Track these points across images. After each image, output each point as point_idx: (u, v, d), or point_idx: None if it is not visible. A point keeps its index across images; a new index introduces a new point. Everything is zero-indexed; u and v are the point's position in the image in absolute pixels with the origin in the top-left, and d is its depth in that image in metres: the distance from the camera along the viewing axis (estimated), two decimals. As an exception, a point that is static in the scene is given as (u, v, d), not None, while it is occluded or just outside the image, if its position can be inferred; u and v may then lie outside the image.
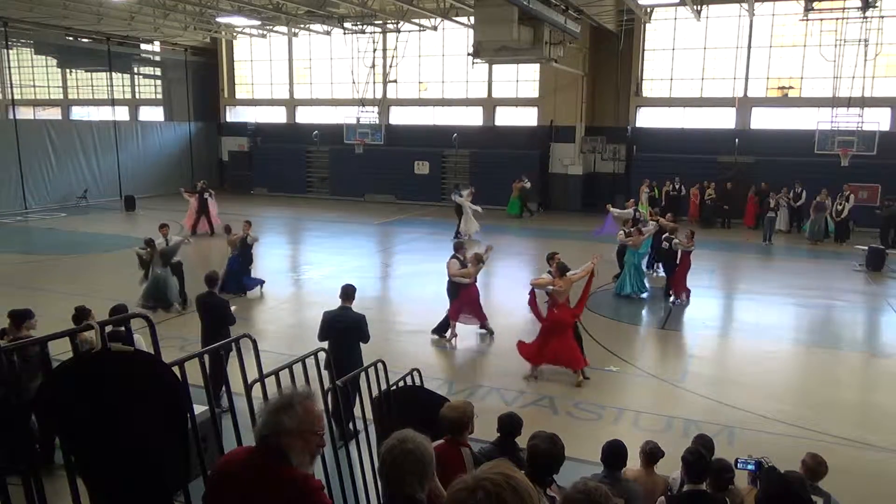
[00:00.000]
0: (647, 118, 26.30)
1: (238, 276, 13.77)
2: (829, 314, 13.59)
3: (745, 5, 21.95)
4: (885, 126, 21.64)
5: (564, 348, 9.36)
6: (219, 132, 33.03)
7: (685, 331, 12.13)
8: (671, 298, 13.67)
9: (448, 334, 11.17)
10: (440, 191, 27.82)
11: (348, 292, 8.03)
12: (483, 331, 11.47)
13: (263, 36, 29.82)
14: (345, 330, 7.72)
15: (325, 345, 7.45)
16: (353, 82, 27.34)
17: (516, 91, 27.81)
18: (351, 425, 6.48)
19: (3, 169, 24.12)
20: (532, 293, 9.72)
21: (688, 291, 13.68)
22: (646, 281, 14.52)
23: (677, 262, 13.60)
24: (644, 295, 14.11)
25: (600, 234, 18.32)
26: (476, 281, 11.17)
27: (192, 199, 20.62)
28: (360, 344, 7.85)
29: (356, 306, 8.10)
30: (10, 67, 29.79)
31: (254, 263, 14.37)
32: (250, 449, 2.78)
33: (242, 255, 13.93)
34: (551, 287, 9.48)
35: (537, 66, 25.32)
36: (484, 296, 15.34)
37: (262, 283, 14.04)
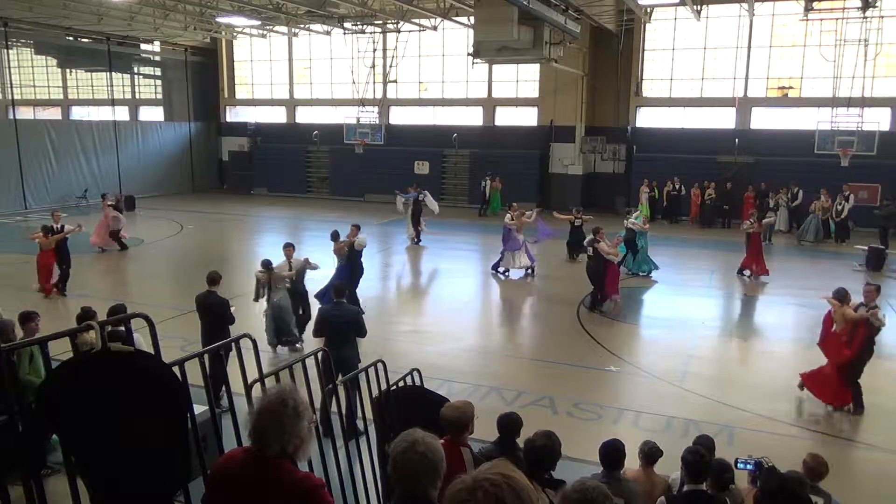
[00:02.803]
0: (646, 118, 26.28)
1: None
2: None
3: (745, 5, 21.94)
4: (885, 126, 21.62)
5: (825, 377, 8.62)
6: (219, 132, 33.04)
7: (685, 331, 12.11)
8: (756, 275, 15.32)
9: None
10: (440, 191, 27.78)
11: (339, 289, 8.07)
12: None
13: (263, 36, 29.81)
14: (341, 325, 7.75)
15: (321, 342, 7.48)
16: (353, 82, 27.33)
17: (516, 91, 27.80)
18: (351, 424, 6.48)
19: (3, 169, 24.11)
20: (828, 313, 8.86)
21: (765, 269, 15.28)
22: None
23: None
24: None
25: (545, 237, 17.44)
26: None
27: (107, 210, 18.58)
28: (357, 340, 7.88)
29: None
30: (10, 67, 29.73)
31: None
32: (248, 449, 2.79)
33: (351, 264, 12.22)
34: (831, 308, 8.72)
35: (537, 66, 25.30)
36: (484, 297, 15.41)
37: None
